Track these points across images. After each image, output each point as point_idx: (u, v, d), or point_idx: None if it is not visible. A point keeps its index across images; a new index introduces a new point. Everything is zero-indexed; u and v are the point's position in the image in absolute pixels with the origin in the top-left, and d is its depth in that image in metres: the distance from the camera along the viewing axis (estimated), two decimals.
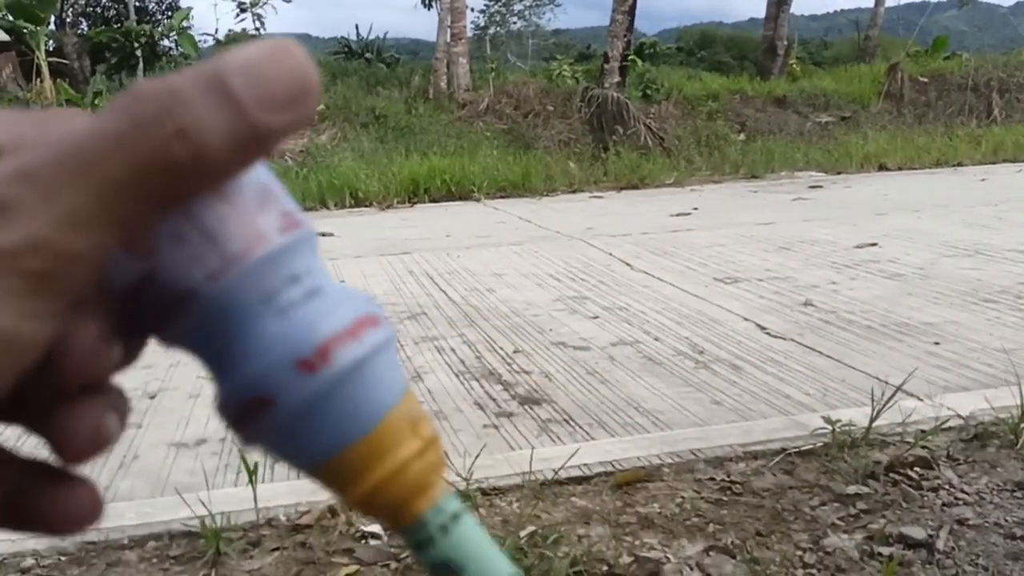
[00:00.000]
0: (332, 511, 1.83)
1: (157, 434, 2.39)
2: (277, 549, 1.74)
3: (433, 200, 7.89)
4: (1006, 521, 1.93)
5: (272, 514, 1.83)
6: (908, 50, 13.62)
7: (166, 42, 13.57)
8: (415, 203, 7.82)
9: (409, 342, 3.35)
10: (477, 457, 2.04)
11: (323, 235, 5.77)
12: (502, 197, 7.99)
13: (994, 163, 8.71)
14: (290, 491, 1.97)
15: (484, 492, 2.04)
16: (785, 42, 13.70)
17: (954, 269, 4.07)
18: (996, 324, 3.20)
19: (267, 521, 1.80)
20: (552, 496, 2.06)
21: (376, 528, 1.80)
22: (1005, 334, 3.08)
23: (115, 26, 11.76)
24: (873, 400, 2.30)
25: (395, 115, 10.56)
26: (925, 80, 12.03)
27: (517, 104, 11.63)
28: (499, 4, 28.26)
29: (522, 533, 1.81)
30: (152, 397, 2.69)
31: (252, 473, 1.74)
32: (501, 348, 3.23)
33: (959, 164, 8.62)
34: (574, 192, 8.16)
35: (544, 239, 5.43)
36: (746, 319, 3.44)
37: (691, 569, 1.77)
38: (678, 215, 6.16)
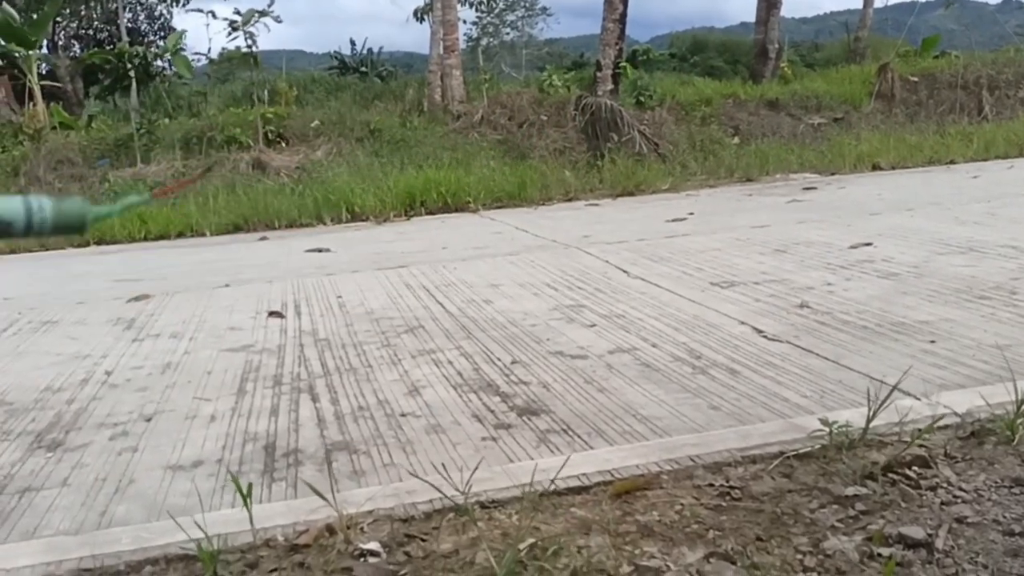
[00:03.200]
0: (330, 530, 1.84)
1: (153, 457, 2.39)
2: (275, 570, 1.74)
3: (430, 212, 7.91)
4: (1004, 518, 1.93)
5: (270, 534, 1.83)
6: (898, 50, 13.68)
7: (159, 63, 13.64)
8: (412, 216, 7.84)
9: (407, 356, 3.36)
10: (475, 471, 2.04)
11: (319, 251, 5.80)
12: (498, 207, 8.01)
13: (986, 160, 8.75)
14: (288, 510, 1.97)
15: (483, 505, 2.04)
16: (776, 45, 13.77)
17: (948, 267, 4.08)
18: (991, 320, 3.21)
19: (265, 542, 1.80)
20: (551, 507, 2.06)
21: (375, 546, 1.80)
22: (1000, 330, 3.09)
23: (108, 48, 11.80)
24: (869, 400, 2.30)
25: (390, 129, 10.60)
26: (915, 79, 12.08)
27: (511, 114, 11.67)
28: (492, 15, 28.41)
29: (521, 546, 1.81)
30: (148, 420, 2.69)
31: (246, 496, 1.74)
32: (499, 359, 3.24)
33: (951, 162, 8.65)
34: (570, 200, 8.18)
35: (540, 248, 5.44)
36: (742, 323, 3.45)
37: None
38: (674, 220, 6.17)
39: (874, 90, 11.84)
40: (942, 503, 2.02)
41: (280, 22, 10.48)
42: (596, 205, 7.68)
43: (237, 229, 7.35)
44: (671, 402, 2.67)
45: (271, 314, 4.05)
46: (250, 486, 1.87)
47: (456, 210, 7.96)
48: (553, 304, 4.00)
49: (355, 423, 2.63)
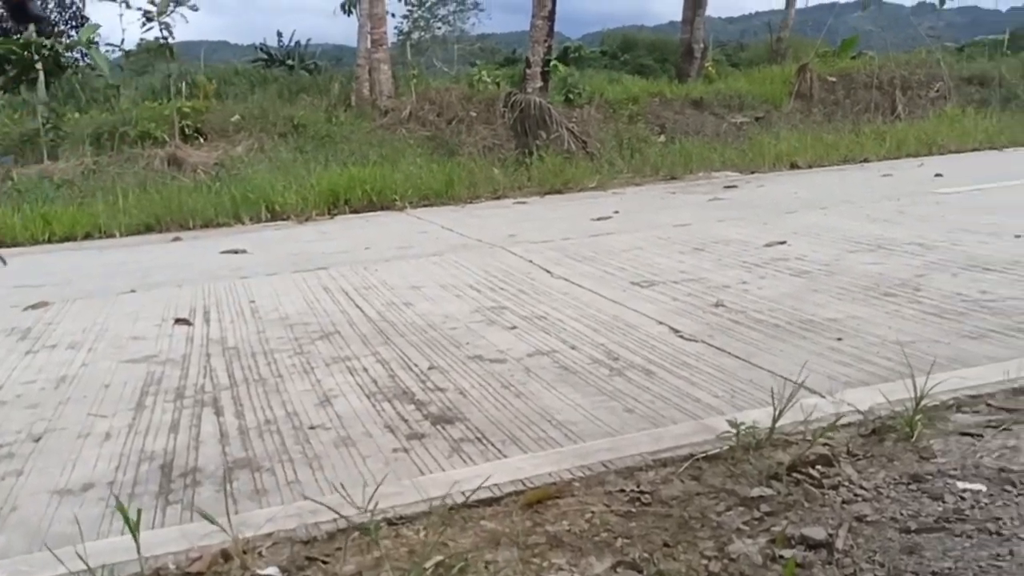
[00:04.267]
0: (225, 555, 1.76)
1: (40, 481, 2.26)
2: None
3: (354, 211, 7.77)
4: (902, 515, 1.97)
5: (160, 563, 1.74)
6: (817, 51, 14.08)
7: (72, 54, 13.04)
8: (335, 214, 7.69)
9: (320, 364, 3.27)
10: (379, 486, 1.99)
11: (235, 252, 5.63)
12: (426, 206, 7.93)
13: (898, 158, 9.07)
14: (182, 536, 1.88)
15: (390, 522, 1.99)
16: (701, 45, 14.02)
17: (858, 264, 4.19)
18: (895, 317, 3.31)
19: (154, 571, 1.71)
20: (461, 521, 2.02)
21: (272, 571, 1.73)
22: (903, 327, 3.18)
23: (14, 37, 11.24)
24: (774, 400, 2.34)
25: (315, 124, 10.38)
26: (833, 79, 12.46)
27: (440, 110, 11.57)
28: (423, 9, 28.13)
29: (427, 564, 1.77)
30: (37, 440, 2.55)
31: (133, 523, 1.65)
32: (416, 365, 3.18)
33: (865, 160, 8.95)
34: (498, 198, 8.15)
35: (465, 248, 5.40)
36: (660, 322, 3.48)
37: None
38: (599, 219, 6.20)
39: (794, 90, 12.15)
40: (843, 502, 2.06)
41: (196, 11, 10.14)
42: (524, 203, 7.67)
43: (149, 229, 7.08)
44: (587, 406, 2.67)
45: (178, 321, 3.90)
46: (139, 512, 1.78)
47: (382, 208, 7.84)
48: (475, 306, 3.96)
49: (260, 438, 2.54)
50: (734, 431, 2.31)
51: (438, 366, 3.15)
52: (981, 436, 2.31)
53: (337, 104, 11.38)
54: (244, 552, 1.77)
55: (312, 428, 2.60)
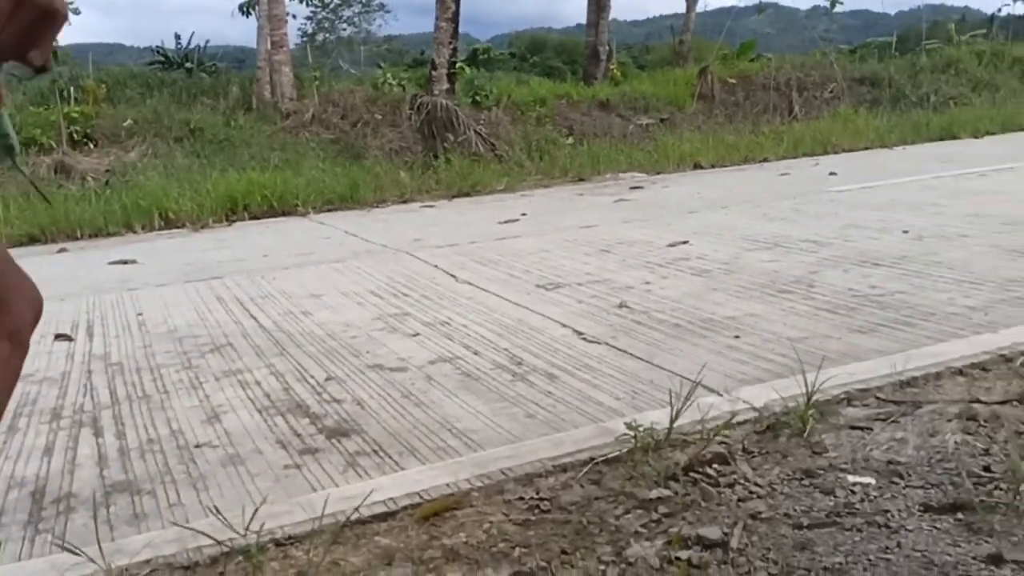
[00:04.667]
0: None
1: None
2: None
3: (254, 217, 7.51)
4: (794, 511, 1.99)
5: None
6: (717, 53, 14.51)
7: None
8: (233, 221, 7.42)
9: (210, 378, 3.11)
10: (261, 505, 1.88)
11: (124, 262, 5.35)
12: (329, 211, 7.73)
13: (795, 157, 9.40)
14: (51, 568, 1.73)
15: (277, 543, 1.88)
16: (607, 47, 14.23)
17: (755, 262, 4.29)
18: (790, 314, 3.39)
19: None
20: (354, 538, 1.94)
21: None
22: (797, 323, 3.26)
23: None
24: (672, 399, 2.34)
25: (213, 128, 10.02)
26: (733, 81, 12.84)
27: (344, 113, 11.36)
28: (327, 11, 27.60)
29: None
30: None
31: None
32: (312, 377, 3.06)
33: (765, 159, 9.24)
34: (405, 202, 8.03)
35: (368, 254, 5.27)
36: (564, 325, 3.46)
37: None
38: (507, 221, 6.18)
39: (696, 91, 12.47)
40: (739, 500, 2.06)
41: (79, 14, 9.62)
42: (431, 207, 7.57)
43: (33, 241, 6.65)
44: (488, 413, 2.61)
45: (58, 337, 3.65)
46: (2, 542, 1.62)
47: (283, 214, 7.61)
48: (376, 313, 3.85)
49: (141, 459, 2.38)
50: (633, 433, 2.30)
51: (336, 377, 3.04)
52: (870, 429, 2.37)
53: (236, 107, 11.03)
54: None
55: (198, 446, 2.46)
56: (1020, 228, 4.62)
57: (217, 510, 1.91)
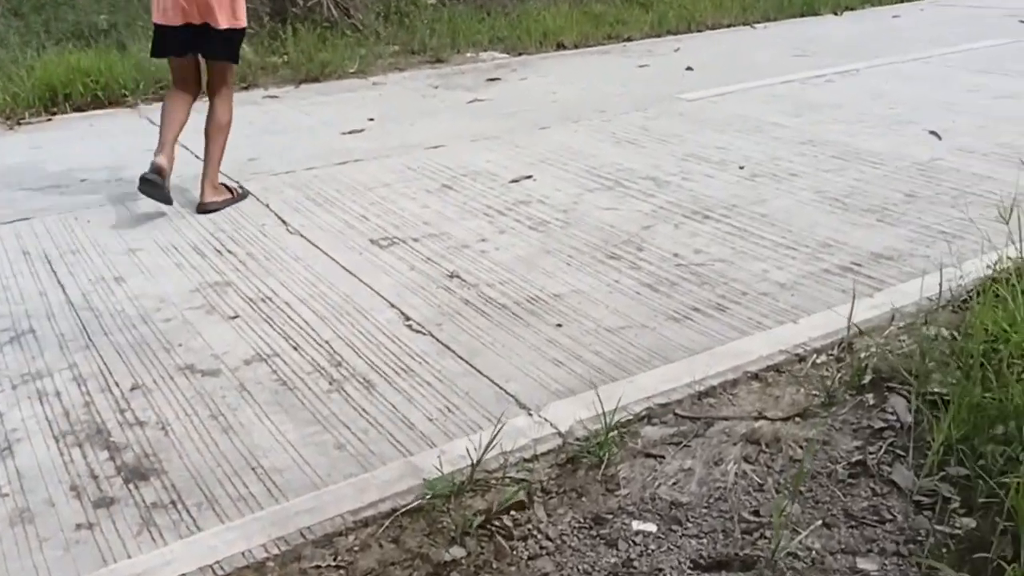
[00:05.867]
0: None
1: None
2: None
3: (78, 109, 6.76)
4: (579, 570, 2.11)
5: None
6: None
7: None
8: (55, 114, 6.67)
9: (5, 386, 2.91)
10: None
11: None
12: (162, 99, 7.04)
13: (659, 36, 9.22)
14: None
15: None
16: None
17: (593, 210, 4.28)
18: (615, 291, 3.44)
19: None
20: None
21: None
22: (619, 305, 3.32)
23: None
24: (478, 437, 2.36)
25: None
26: None
27: None
28: None
29: None
30: None
31: None
32: (117, 384, 2.91)
33: (628, 39, 9.01)
34: (247, 88, 7.41)
35: (196, 181, 4.89)
36: (392, 305, 3.39)
37: None
38: (351, 132, 5.85)
39: None
40: (529, 557, 2.16)
41: None
42: (275, 98, 7.04)
43: None
44: (297, 441, 2.58)
45: None
46: None
47: (110, 103, 6.89)
48: (197, 281, 3.64)
49: None
50: (438, 472, 2.33)
51: (142, 384, 2.90)
52: (663, 457, 2.50)
53: None
54: None
55: None
56: (847, 164, 4.79)
57: None
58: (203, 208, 4.37)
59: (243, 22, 4.33)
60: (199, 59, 4.45)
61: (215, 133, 4.44)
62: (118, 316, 3.36)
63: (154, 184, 4.18)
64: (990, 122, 5.47)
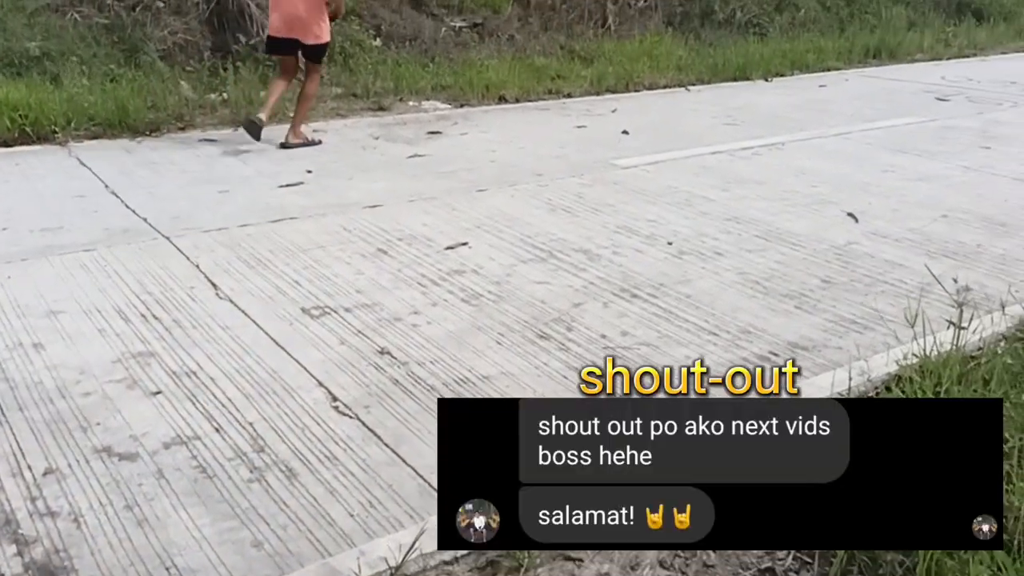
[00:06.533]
0: None
1: None
2: None
3: (4, 145, 6.58)
4: None
5: None
6: None
7: None
8: None
9: None
10: None
11: None
12: (95, 138, 6.91)
13: (598, 94, 9.47)
14: None
15: None
16: None
17: (526, 283, 4.36)
18: (541, 374, 3.50)
19: None
20: None
21: None
22: (547, 391, 3.37)
23: None
24: (396, 532, 2.37)
25: None
26: None
27: None
28: None
29: None
30: None
31: None
32: (31, 467, 2.83)
33: (568, 95, 9.23)
34: (183, 129, 7.32)
35: (125, 235, 4.81)
36: (320, 384, 3.38)
37: None
38: (288, 185, 5.83)
39: None
40: None
41: None
42: (211, 142, 6.96)
43: None
44: (213, 538, 2.54)
45: None
46: None
47: (39, 139, 6.72)
48: (119, 351, 3.57)
49: None
50: None
51: (57, 468, 2.82)
52: (581, 561, 2.55)
53: None
54: None
55: None
56: (768, 245, 4.99)
57: None
58: (284, 145, 6.66)
59: (325, 39, 6.63)
60: (298, 57, 6.71)
61: (303, 99, 6.78)
62: (35, 388, 3.27)
63: (255, 124, 6.48)
64: (903, 205, 5.78)
